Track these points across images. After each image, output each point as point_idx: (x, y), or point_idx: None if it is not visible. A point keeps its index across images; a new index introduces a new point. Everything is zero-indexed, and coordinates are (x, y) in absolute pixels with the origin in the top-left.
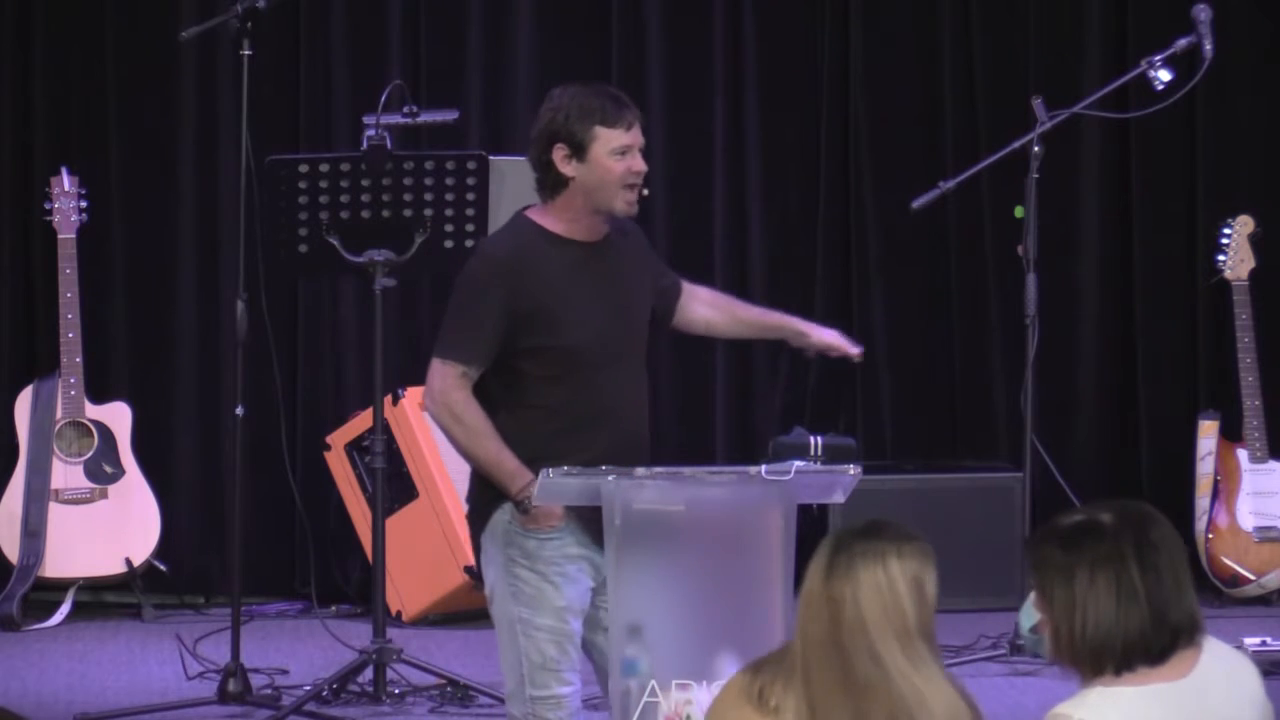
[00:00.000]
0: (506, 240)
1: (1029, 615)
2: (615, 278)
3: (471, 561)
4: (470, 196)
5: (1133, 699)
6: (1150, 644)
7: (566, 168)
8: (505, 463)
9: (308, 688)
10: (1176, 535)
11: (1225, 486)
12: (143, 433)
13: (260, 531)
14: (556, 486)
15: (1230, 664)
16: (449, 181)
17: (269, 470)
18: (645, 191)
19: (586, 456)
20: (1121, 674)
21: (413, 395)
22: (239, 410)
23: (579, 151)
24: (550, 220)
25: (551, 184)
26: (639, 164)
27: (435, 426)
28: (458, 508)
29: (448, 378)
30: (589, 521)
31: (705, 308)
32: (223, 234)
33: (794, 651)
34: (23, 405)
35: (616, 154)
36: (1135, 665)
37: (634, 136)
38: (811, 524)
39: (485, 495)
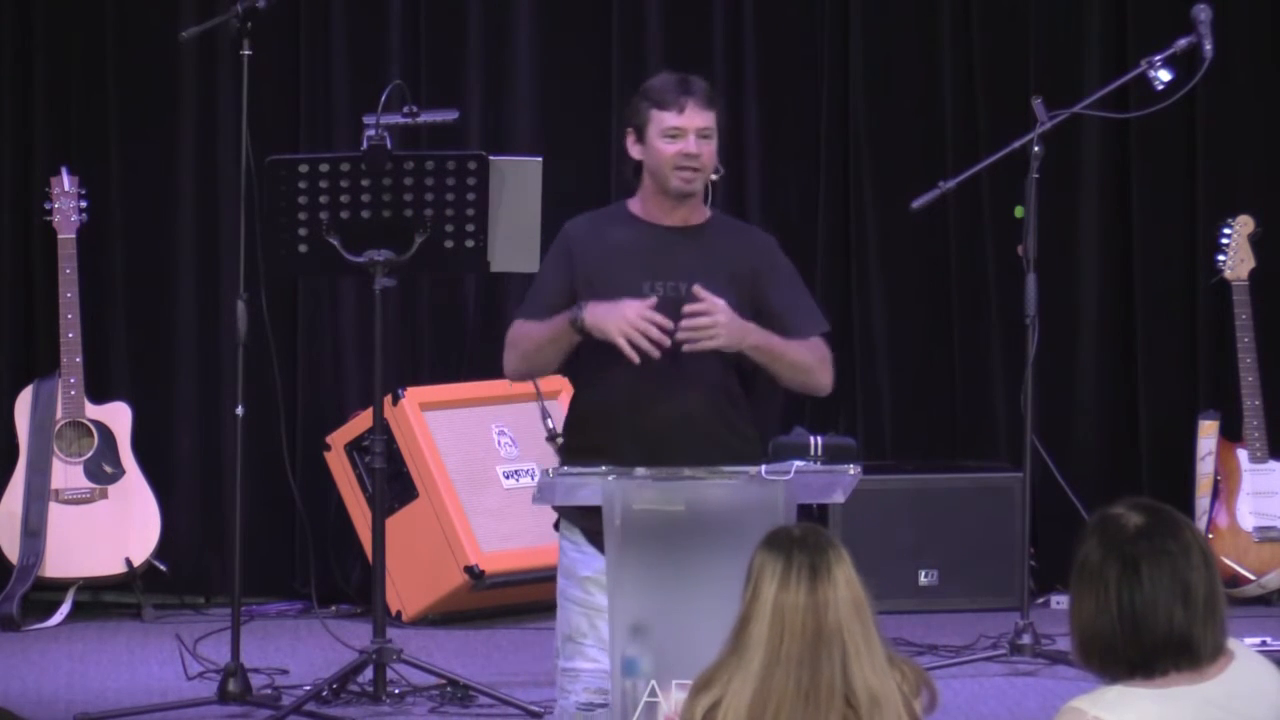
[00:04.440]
0: (587, 214)
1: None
2: (678, 267)
3: (471, 561)
4: (470, 196)
5: (1153, 700)
6: (1120, 657)
7: (634, 151)
8: (552, 323)
9: (308, 688)
10: (1192, 554)
11: (1225, 486)
12: (143, 433)
13: (260, 531)
14: (555, 486)
15: (1258, 670)
16: (449, 181)
17: (269, 470)
18: (718, 173)
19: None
20: (1136, 676)
21: (413, 395)
22: (239, 410)
23: (640, 134)
24: (635, 201)
25: (632, 169)
26: (689, 146)
27: (435, 427)
28: (458, 508)
29: (511, 328)
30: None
31: None
32: (223, 234)
33: (747, 668)
34: (23, 405)
35: (667, 136)
36: (1116, 677)
37: (687, 119)
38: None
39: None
